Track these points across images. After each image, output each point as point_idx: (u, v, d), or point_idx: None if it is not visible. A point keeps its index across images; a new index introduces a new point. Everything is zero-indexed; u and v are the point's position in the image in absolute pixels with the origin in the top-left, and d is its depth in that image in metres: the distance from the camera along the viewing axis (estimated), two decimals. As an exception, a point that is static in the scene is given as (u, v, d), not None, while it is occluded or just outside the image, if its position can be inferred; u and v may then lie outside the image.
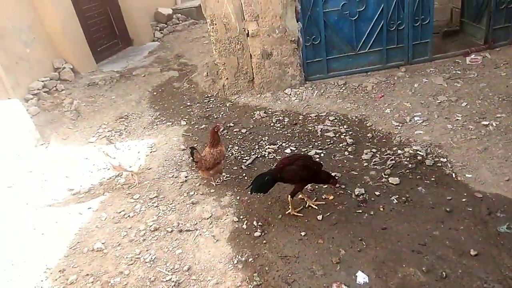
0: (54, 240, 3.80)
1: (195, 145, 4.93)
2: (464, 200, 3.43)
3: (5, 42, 6.40)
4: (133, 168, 4.35)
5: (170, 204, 4.06)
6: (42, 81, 6.90)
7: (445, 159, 3.99)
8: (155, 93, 6.84)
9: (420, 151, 4.16)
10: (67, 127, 6.09)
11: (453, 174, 3.78)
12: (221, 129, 4.66)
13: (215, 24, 5.77)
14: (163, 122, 5.84)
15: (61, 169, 5.01)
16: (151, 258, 3.37)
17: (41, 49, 7.15)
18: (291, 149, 4.67)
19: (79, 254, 3.58)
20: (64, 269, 3.41)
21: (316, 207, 3.60)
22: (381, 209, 3.46)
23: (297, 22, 5.75)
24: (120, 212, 4.04)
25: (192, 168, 4.54)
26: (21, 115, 5.67)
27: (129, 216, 3.97)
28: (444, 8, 8.18)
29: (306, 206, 3.63)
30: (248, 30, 5.75)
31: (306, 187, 3.77)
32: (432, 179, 3.75)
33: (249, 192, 3.52)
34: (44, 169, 5.07)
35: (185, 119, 5.80)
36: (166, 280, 3.13)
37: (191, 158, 4.02)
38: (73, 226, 3.95)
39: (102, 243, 3.63)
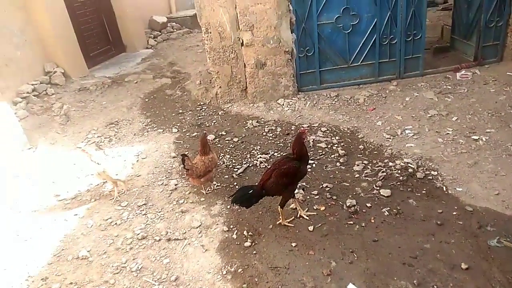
0: (37, 247, 3.69)
1: (186, 152, 4.88)
2: (454, 213, 3.43)
3: (-5, 44, 6.32)
4: (120, 176, 4.26)
5: (159, 212, 3.98)
6: (32, 85, 6.81)
7: (435, 172, 4.01)
8: (147, 100, 6.79)
9: (411, 164, 4.18)
10: (56, 132, 5.99)
11: (444, 187, 3.79)
12: (209, 137, 4.61)
13: (210, 32, 5.78)
14: (154, 129, 5.78)
15: (48, 174, 4.90)
16: (138, 267, 3.29)
17: (32, 52, 7.07)
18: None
19: (63, 261, 3.47)
20: (47, 277, 3.30)
21: (308, 218, 3.56)
22: (372, 221, 3.44)
23: (292, 33, 5.79)
24: (107, 220, 3.94)
25: (183, 176, 4.49)
26: (9, 118, 5.55)
27: (116, 223, 3.88)
28: (435, 25, 8.39)
29: (298, 216, 3.59)
30: (242, 40, 5.76)
31: (297, 197, 3.74)
32: (423, 191, 3.76)
33: (231, 202, 3.43)
34: (30, 174, 4.96)
35: (177, 127, 5.75)
36: (153, 290, 3.05)
37: (183, 165, 3.97)
38: (58, 233, 3.84)
39: (88, 251, 3.53)
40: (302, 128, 3.24)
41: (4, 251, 3.68)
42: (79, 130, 5.97)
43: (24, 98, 6.55)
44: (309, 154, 3.66)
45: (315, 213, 3.62)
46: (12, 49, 6.64)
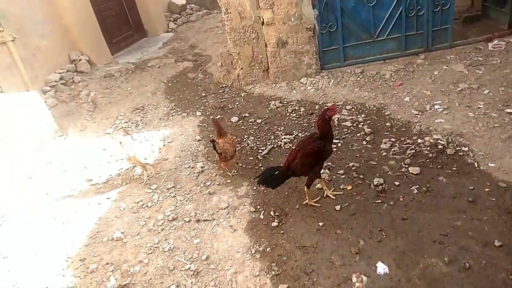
0: (74, 230, 3.87)
1: (211, 136, 4.94)
2: (487, 190, 3.34)
3: (23, 35, 6.47)
4: (148, 160, 4.37)
5: (187, 194, 4.07)
6: (59, 73, 6.99)
7: (466, 148, 3.89)
8: (170, 84, 6.85)
9: (440, 140, 4.06)
10: (85, 119, 6.16)
11: (475, 164, 3.67)
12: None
13: (230, 12, 5.70)
14: (179, 113, 5.85)
15: (80, 160, 5.08)
16: (170, 248, 3.40)
17: (57, 41, 7.22)
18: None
19: (99, 243, 3.64)
20: (84, 258, 3.47)
21: (334, 197, 3.56)
22: (401, 199, 3.40)
23: (313, 9, 5.63)
24: (138, 202, 4.08)
25: (208, 159, 4.56)
26: (40, 107, 5.76)
27: (147, 206, 4.01)
28: (465, -8, 7.92)
29: (324, 196, 3.59)
30: (263, 18, 5.67)
31: (323, 177, 3.73)
32: (454, 168, 3.66)
33: (257, 183, 3.48)
34: (63, 160, 5.16)
35: (200, 110, 5.80)
36: (185, 269, 3.16)
37: (215, 150, 3.99)
38: (92, 216, 4.01)
39: (121, 233, 3.68)
40: (330, 105, 3.17)
41: (44, 234, 3.88)
42: (107, 116, 6.11)
43: (52, 87, 6.74)
44: (334, 132, 3.61)
45: (341, 193, 3.60)
46: (38, 39, 6.80)
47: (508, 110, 4.32)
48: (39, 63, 6.75)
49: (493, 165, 3.62)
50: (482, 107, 4.48)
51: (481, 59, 5.53)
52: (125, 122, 5.82)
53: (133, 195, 4.22)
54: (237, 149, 4.16)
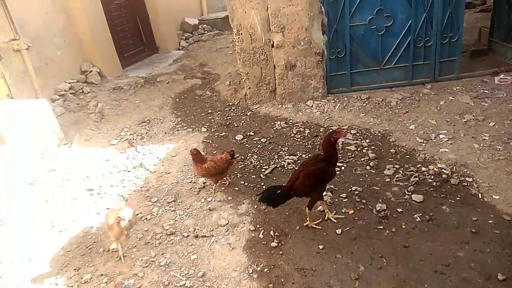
0: (71, 238, 3.83)
1: (214, 152, 4.97)
2: (490, 222, 3.29)
3: (38, 44, 6.63)
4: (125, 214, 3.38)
5: (187, 209, 4.05)
6: (69, 83, 7.10)
7: (471, 179, 3.86)
8: (177, 100, 6.92)
9: (445, 169, 4.04)
10: (91, 129, 6.20)
11: (479, 195, 3.64)
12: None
13: (241, 34, 5.83)
14: (184, 128, 5.89)
15: (82, 169, 5.09)
16: (166, 262, 3.35)
17: (70, 52, 7.38)
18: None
19: (95, 254, 3.59)
20: (79, 268, 3.42)
21: (335, 221, 3.51)
22: (403, 227, 3.35)
23: (323, 34, 5.75)
24: (137, 214, 4.04)
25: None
26: (47, 114, 5.81)
27: (146, 218, 3.98)
28: (472, 27, 8.07)
29: (325, 219, 3.55)
30: (273, 41, 5.78)
31: (325, 199, 3.69)
32: (457, 198, 3.62)
33: (258, 201, 3.45)
34: (66, 168, 5.16)
35: (206, 126, 5.83)
36: (180, 285, 3.10)
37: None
38: (90, 225, 3.98)
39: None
40: (336, 128, 3.17)
41: (40, 241, 3.84)
42: (113, 128, 6.16)
43: (61, 96, 6.84)
44: (338, 155, 3.60)
45: (343, 216, 3.57)
46: (52, 49, 6.96)
47: (514, 144, 4.31)
48: (51, 73, 6.88)
49: (497, 197, 3.58)
50: (487, 139, 4.48)
51: (487, 91, 5.57)
52: (131, 134, 5.85)
53: (133, 207, 4.16)
54: (230, 164, 4.19)
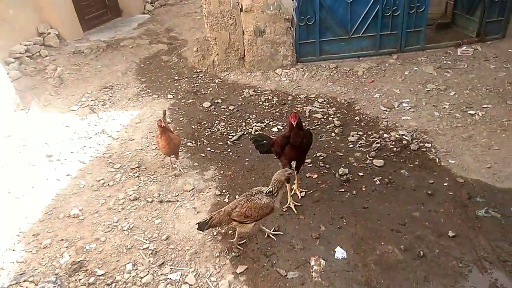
0: (29, 204, 3.70)
1: (181, 119, 4.88)
2: (445, 184, 3.46)
3: (-13, 1, 6.12)
4: None
5: (152, 175, 3.98)
6: (25, 45, 6.65)
7: (429, 145, 4.01)
8: (142, 65, 6.67)
9: (405, 136, 4.17)
10: (49, 94, 5.89)
11: (437, 159, 3.80)
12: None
13: (208, -4, 5.61)
14: (149, 94, 5.70)
15: (41, 135, 4.86)
16: (129, 226, 3.31)
17: (25, 12, 6.86)
18: (278, 128, 4.63)
19: (55, 219, 3.49)
20: (38, 233, 3.32)
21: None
22: (364, 189, 3.47)
23: (292, 0, 5.63)
24: (99, 181, 3.95)
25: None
26: (2, 78, 5.45)
27: (108, 184, 3.88)
28: (439, 1, 8.16)
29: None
30: (241, 5, 5.60)
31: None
32: (416, 163, 3.77)
33: (250, 139, 3.53)
34: (23, 134, 4.91)
35: (172, 93, 5.68)
36: (144, 248, 3.08)
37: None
38: (49, 192, 3.85)
39: (79, 210, 3.55)
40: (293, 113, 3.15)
41: (-4, 207, 3.69)
42: (73, 93, 5.87)
43: (17, 59, 6.41)
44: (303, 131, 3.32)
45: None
46: (4, 7, 6.44)
47: (471, 112, 4.49)
48: (4, 33, 6.40)
49: (453, 161, 3.75)
50: (447, 108, 4.64)
51: (450, 63, 5.72)
52: (92, 100, 5.61)
53: (94, 173, 4.08)
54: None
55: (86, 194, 3.78)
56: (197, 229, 2.91)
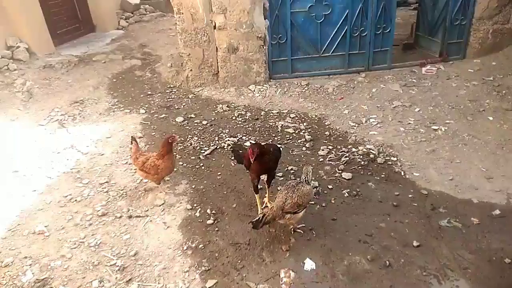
0: (-9, 221, 3.55)
1: (153, 133, 4.85)
2: (410, 196, 3.59)
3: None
4: None
5: (121, 190, 3.92)
6: (-7, 59, 6.49)
7: (395, 158, 4.16)
8: (114, 80, 6.63)
9: (372, 150, 4.32)
10: (17, 108, 5.74)
11: (402, 172, 3.94)
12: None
13: (182, 13, 5.69)
14: (121, 109, 5.66)
15: (7, 149, 4.71)
16: (96, 243, 3.23)
17: (-7, 24, 6.73)
18: (250, 142, 4.67)
19: (19, 236, 3.36)
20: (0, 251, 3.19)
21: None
22: (333, 201, 3.54)
23: (265, 19, 5.80)
24: (66, 196, 3.84)
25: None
26: (-35, 91, 5.29)
27: (76, 200, 3.79)
28: (406, 23, 8.62)
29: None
30: (215, 22, 5.72)
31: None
32: (382, 175, 3.90)
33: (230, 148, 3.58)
34: (-13, 149, 4.75)
35: (145, 108, 5.66)
36: (111, 265, 3.01)
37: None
38: (14, 208, 3.70)
39: (45, 226, 3.43)
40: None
41: (-45, 225, 3.52)
42: (42, 108, 5.75)
43: (-18, 72, 6.24)
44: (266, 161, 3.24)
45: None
46: (-31, 18, 6.31)
47: (434, 127, 4.71)
48: (-31, 45, 6.24)
49: (417, 174, 3.90)
50: (412, 123, 4.85)
51: (414, 81, 6.01)
52: (61, 115, 5.50)
53: (62, 189, 3.97)
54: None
55: (53, 210, 3.67)
56: (252, 227, 2.97)
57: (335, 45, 6.19)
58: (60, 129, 5.17)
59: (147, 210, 3.62)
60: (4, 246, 3.25)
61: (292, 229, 3.19)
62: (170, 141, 3.59)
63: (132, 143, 3.85)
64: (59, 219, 3.55)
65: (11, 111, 5.68)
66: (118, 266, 2.99)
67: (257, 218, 2.95)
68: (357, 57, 6.31)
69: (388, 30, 6.15)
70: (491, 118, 4.82)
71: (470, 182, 3.73)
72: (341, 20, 5.99)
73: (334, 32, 6.08)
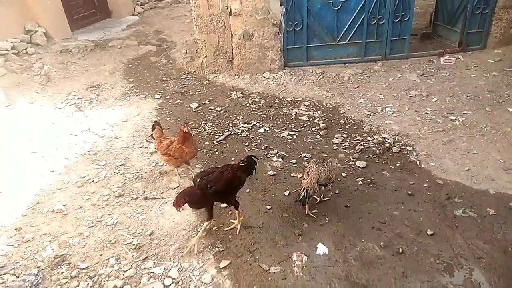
0: (12, 199, 3.66)
1: (168, 119, 4.90)
2: (425, 185, 3.56)
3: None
4: None
5: (137, 172, 3.99)
6: (12, 42, 6.59)
7: (411, 148, 4.12)
8: (130, 66, 6.68)
9: (388, 139, 4.28)
10: (35, 91, 5.85)
11: (418, 162, 3.90)
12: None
13: (198, -1, 5.68)
14: (137, 94, 5.71)
15: (26, 132, 4.82)
16: (113, 222, 3.31)
17: (12, 8, 6.81)
18: (264, 129, 4.68)
19: (38, 214, 3.46)
20: (20, 228, 3.29)
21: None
22: (346, 189, 3.54)
23: (281, 6, 5.74)
24: (84, 177, 3.93)
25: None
26: (-14, 73, 5.41)
27: (93, 181, 3.87)
28: (425, 12, 8.41)
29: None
30: (230, 9, 5.69)
31: (276, 165, 3.78)
32: (397, 165, 3.87)
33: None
34: (7, 131, 4.86)
35: (160, 93, 5.70)
36: (127, 243, 3.09)
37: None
38: (33, 187, 3.81)
39: (63, 205, 3.53)
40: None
41: (-23, 202, 3.64)
42: (59, 91, 5.84)
43: (2, 55, 6.34)
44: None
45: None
46: (-9, 3, 6.40)
47: (452, 117, 4.64)
48: (-11, 29, 6.35)
49: (433, 164, 3.86)
50: (429, 113, 4.78)
51: (432, 70, 5.90)
52: (78, 99, 5.59)
53: (79, 170, 4.06)
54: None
55: (71, 190, 3.77)
56: (302, 205, 3.18)
57: (351, 33, 6.10)
58: (77, 112, 5.26)
59: (162, 192, 3.69)
60: (24, 223, 3.35)
61: (307, 214, 3.22)
62: (185, 132, 3.52)
63: (154, 128, 3.87)
64: (77, 198, 3.64)
65: (29, 93, 5.79)
66: (134, 244, 3.06)
67: (301, 195, 3.05)
68: (374, 45, 6.22)
69: (406, 19, 6.03)
70: (511, 110, 4.72)
71: (487, 173, 3.68)
72: (359, 8, 5.89)
73: (351, 20, 5.99)
